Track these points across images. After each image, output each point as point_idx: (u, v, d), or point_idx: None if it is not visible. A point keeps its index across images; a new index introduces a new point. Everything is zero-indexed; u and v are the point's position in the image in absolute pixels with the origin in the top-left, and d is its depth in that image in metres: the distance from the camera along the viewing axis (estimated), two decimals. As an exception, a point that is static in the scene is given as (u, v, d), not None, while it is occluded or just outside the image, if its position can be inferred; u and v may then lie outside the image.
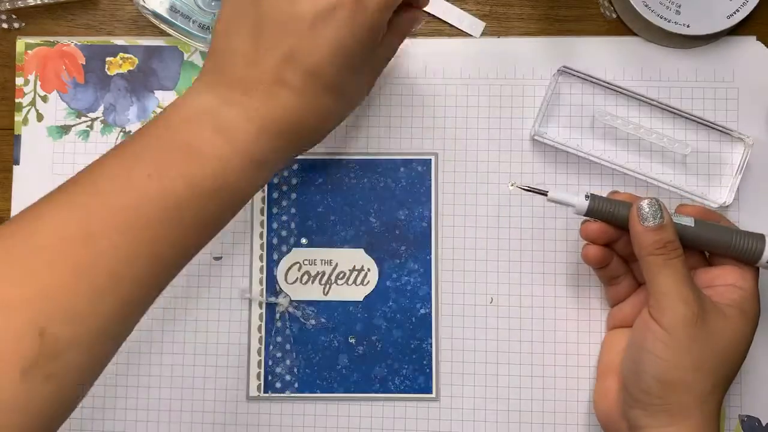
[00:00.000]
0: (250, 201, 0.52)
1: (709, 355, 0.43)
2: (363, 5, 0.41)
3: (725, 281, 0.45)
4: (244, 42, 0.42)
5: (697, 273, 0.47)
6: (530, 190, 0.47)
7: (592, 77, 0.51)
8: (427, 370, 0.51)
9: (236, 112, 0.40)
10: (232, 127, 0.40)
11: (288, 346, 0.51)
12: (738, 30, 0.52)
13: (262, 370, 0.51)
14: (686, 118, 0.51)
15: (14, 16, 0.54)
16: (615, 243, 0.47)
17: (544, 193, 0.46)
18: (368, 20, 0.41)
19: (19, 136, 0.53)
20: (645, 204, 0.44)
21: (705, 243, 0.46)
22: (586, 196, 0.45)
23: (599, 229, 0.46)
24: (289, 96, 0.41)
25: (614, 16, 0.53)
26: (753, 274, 0.46)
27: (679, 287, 0.43)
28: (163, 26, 0.51)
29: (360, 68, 0.43)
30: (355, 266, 0.52)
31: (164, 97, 0.53)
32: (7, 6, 0.53)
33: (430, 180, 0.52)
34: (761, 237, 0.45)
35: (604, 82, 0.51)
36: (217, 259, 0.52)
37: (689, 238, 0.45)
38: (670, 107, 0.51)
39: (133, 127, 0.53)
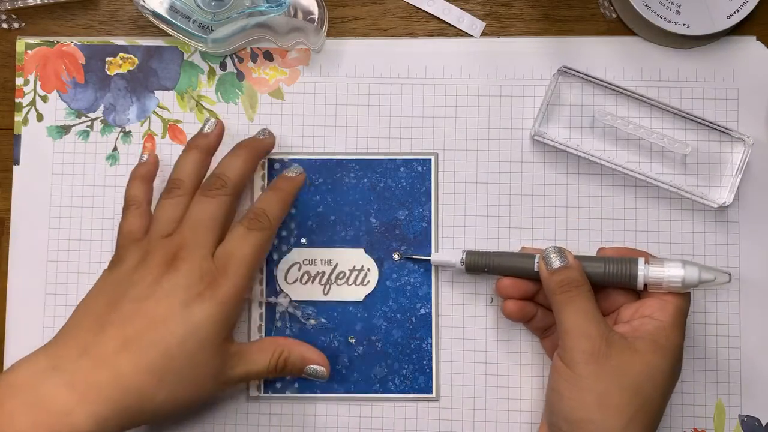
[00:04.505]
0: (251, 199, 0.52)
1: (616, 391, 0.42)
2: (222, 295, 0.44)
3: (643, 313, 0.45)
4: (99, 311, 0.43)
5: (622, 309, 0.47)
6: (415, 259, 0.51)
7: (592, 77, 0.51)
8: (427, 370, 0.51)
9: (59, 381, 0.41)
10: (51, 400, 0.40)
11: (288, 346, 0.51)
12: (738, 30, 0.52)
13: (262, 370, 0.51)
14: (686, 118, 0.51)
15: (14, 16, 0.54)
16: (537, 296, 0.48)
17: (427, 259, 0.51)
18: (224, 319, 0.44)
19: (19, 136, 0.53)
20: (549, 250, 0.46)
21: (599, 279, 0.46)
22: (462, 259, 0.49)
23: (511, 284, 0.48)
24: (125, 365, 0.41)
25: (614, 16, 0.53)
26: (675, 304, 0.45)
27: (580, 323, 0.44)
28: (163, 26, 0.51)
29: (201, 368, 0.44)
30: (355, 266, 0.52)
31: (164, 97, 0.53)
32: (7, 6, 0.53)
33: (430, 180, 0.52)
34: (634, 260, 0.45)
35: (604, 82, 0.51)
36: (217, 259, 0.52)
37: (592, 279, 0.46)
38: (670, 107, 0.51)
39: (133, 127, 0.53)
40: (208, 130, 0.50)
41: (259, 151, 0.50)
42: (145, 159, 0.51)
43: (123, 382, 0.41)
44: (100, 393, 0.41)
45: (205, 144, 0.49)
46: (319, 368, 0.48)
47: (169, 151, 0.53)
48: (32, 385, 0.40)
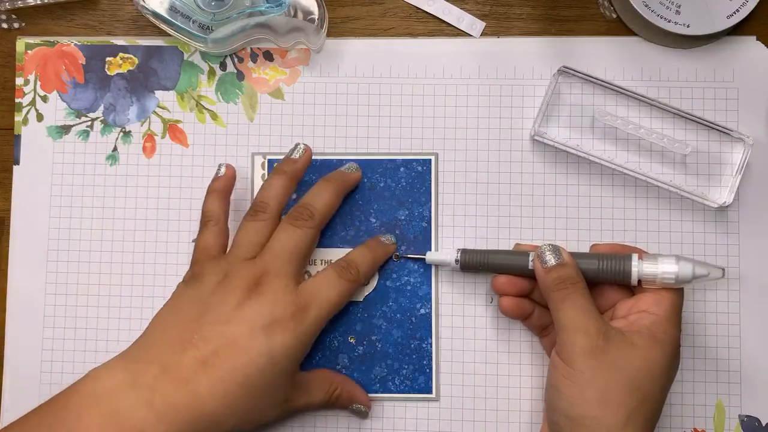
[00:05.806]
0: (251, 199, 0.52)
1: (615, 386, 0.42)
2: (302, 329, 0.44)
3: (639, 308, 0.45)
4: (178, 329, 0.43)
5: (618, 305, 0.47)
6: (411, 257, 0.51)
7: (592, 77, 0.51)
8: (427, 370, 0.51)
9: (138, 396, 0.40)
10: (128, 415, 0.40)
11: (288, 346, 0.51)
12: (738, 30, 0.52)
13: (262, 370, 0.51)
14: (686, 118, 0.51)
15: (14, 16, 0.54)
16: (533, 293, 0.48)
17: (422, 258, 0.50)
18: (303, 342, 0.45)
19: (19, 136, 0.53)
20: (543, 248, 0.46)
21: (593, 275, 0.46)
22: (457, 258, 0.49)
23: (506, 281, 0.48)
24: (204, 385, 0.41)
25: (614, 16, 0.53)
26: (670, 298, 0.45)
27: (577, 319, 0.44)
28: (163, 26, 0.51)
29: (271, 391, 0.44)
30: (355, 266, 0.52)
31: (164, 97, 0.53)
32: (7, 6, 0.53)
33: (430, 180, 0.52)
34: (628, 257, 0.46)
35: (604, 82, 0.51)
36: (217, 259, 0.52)
37: (587, 276, 0.46)
38: (670, 107, 0.51)
39: (133, 127, 0.53)
40: (297, 156, 0.50)
41: (347, 185, 0.51)
42: (222, 172, 0.50)
43: (200, 406, 0.41)
44: (177, 415, 0.41)
45: (292, 170, 0.49)
46: (363, 408, 0.49)
47: (169, 151, 0.53)
48: (111, 397, 0.41)
